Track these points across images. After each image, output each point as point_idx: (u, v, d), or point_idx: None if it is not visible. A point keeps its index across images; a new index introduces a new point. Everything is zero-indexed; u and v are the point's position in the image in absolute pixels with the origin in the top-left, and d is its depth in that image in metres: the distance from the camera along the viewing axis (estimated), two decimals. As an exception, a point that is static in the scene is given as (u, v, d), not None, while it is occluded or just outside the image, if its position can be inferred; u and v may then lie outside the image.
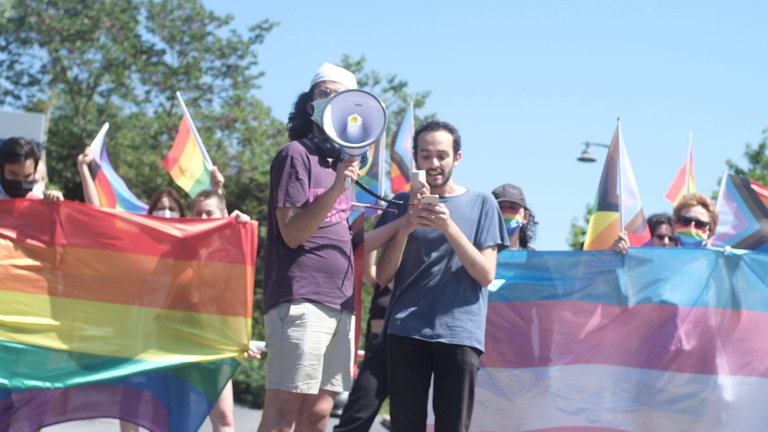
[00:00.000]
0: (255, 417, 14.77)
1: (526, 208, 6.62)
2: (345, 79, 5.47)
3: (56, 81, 29.69)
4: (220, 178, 7.68)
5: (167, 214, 7.18)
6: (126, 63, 29.07)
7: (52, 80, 29.74)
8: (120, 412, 6.59)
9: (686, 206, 6.65)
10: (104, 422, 6.90)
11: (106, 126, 8.38)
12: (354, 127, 5.18)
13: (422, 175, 5.41)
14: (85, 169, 7.55)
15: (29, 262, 6.34)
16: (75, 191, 25.53)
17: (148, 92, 30.62)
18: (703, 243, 6.64)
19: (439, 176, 5.58)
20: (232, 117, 30.24)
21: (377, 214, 6.00)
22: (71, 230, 6.39)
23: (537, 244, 6.88)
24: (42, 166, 7.40)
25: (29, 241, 6.35)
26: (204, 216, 7.04)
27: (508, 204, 6.41)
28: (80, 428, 7.79)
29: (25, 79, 29.76)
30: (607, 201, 6.58)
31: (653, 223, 7.26)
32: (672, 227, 6.99)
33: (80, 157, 7.59)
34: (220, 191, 7.53)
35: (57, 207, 6.39)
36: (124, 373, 6.33)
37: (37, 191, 6.70)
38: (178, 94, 8.91)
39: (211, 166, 7.84)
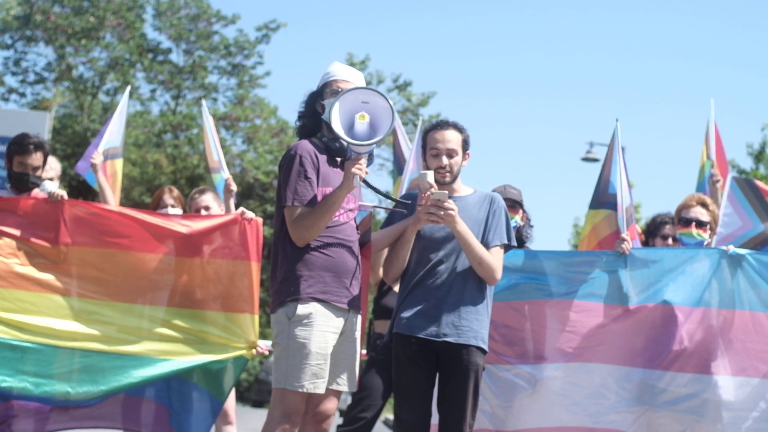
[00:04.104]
0: (258, 416, 14.77)
1: (524, 210, 6.66)
2: (355, 78, 5.48)
3: (61, 79, 29.70)
4: (234, 187, 7.66)
5: (170, 211, 7.20)
6: (132, 61, 29.08)
7: (57, 78, 29.74)
8: (123, 420, 6.54)
9: (686, 207, 6.73)
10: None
11: (128, 89, 8.60)
12: (362, 124, 5.17)
13: (430, 176, 5.42)
14: (101, 174, 7.63)
15: (33, 260, 6.35)
16: (79, 189, 25.53)
17: (153, 91, 30.62)
18: (705, 243, 6.67)
19: (448, 174, 5.60)
20: (235, 116, 30.24)
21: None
22: (75, 229, 6.40)
23: (538, 244, 6.92)
24: (57, 165, 7.45)
25: (33, 239, 6.36)
26: (203, 212, 7.08)
27: (509, 203, 6.42)
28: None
29: (31, 77, 29.77)
30: (599, 200, 6.62)
31: (657, 224, 7.27)
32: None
33: (93, 159, 7.68)
34: (232, 200, 7.54)
35: (61, 206, 6.40)
36: (131, 380, 6.32)
37: (51, 187, 6.71)
38: (203, 101, 8.97)
39: (226, 174, 7.82)
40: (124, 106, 8.46)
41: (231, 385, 6.53)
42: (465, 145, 5.67)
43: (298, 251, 5.25)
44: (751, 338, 6.15)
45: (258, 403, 27.66)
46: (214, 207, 7.16)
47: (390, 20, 51.85)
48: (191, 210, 7.26)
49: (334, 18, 51.20)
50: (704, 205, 6.71)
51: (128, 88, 8.90)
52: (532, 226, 6.81)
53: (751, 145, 25.62)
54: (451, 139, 5.60)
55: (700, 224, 6.66)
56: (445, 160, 5.59)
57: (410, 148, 8.27)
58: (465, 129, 5.69)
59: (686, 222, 6.68)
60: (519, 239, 6.73)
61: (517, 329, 6.25)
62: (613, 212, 6.47)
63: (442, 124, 5.66)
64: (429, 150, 5.64)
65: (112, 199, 7.62)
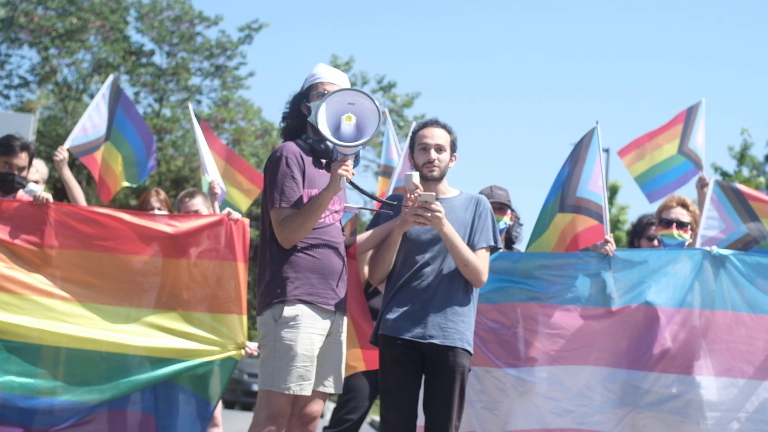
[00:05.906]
0: (244, 418, 14.75)
1: (512, 210, 6.68)
2: (340, 81, 5.47)
3: (45, 81, 29.60)
4: (218, 190, 7.63)
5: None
6: (115, 64, 28.98)
7: (41, 81, 29.64)
8: None
9: (666, 208, 6.79)
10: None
11: (110, 78, 8.37)
12: (348, 126, 5.17)
13: (416, 177, 5.43)
14: (66, 170, 7.51)
15: (18, 263, 6.36)
16: (64, 192, 25.36)
17: (137, 93, 30.54)
18: (686, 243, 6.71)
19: (436, 168, 5.61)
20: (220, 117, 30.17)
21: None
22: (61, 231, 6.40)
23: (522, 245, 6.93)
24: (44, 168, 7.40)
25: (18, 242, 6.37)
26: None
27: (497, 205, 6.44)
28: None
29: (15, 81, 29.66)
30: (566, 203, 6.58)
31: (643, 225, 7.31)
32: (660, 229, 7.03)
33: (56, 156, 7.56)
34: (217, 203, 7.51)
35: (46, 208, 6.41)
36: (117, 381, 6.30)
37: (36, 190, 6.69)
38: (190, 105, 8.93)
39: (210, 177, 7.77)
40: (104, 95, 8.20)
41: (220, 387, 6.44)
42: (453, 146, 5.70)
43: (284, 253, 5.25)
44: (735, 338, 6.16)
45: (230, 404, 26.90)
46: (203, 211, 7.15)
47: (374, 21, 51.92)
48: (180, 213, 7.24)
49: (317, 18, 51.22)
50: (684, 205, 6.77)
51: (111, 77, 8.60)
52: (521, 225, 6.84)
53: (732, 148, 25.81)
54: (440, 135, 5.65)
55: (681, 225, 6.72)
56: (433, 153, 5.61)
57: (399, 151, 8.29)
58: (454, 131, 5.72)
59: (667, 223, 6.73)
60: (509, 239, 6.76)
61: (502, 332, 6.26)
62: (580, 216, 6.42)
63: (432, 122, 5.72)
64: (417, 145, 5.67)
65: (81, 196, 7.47)
